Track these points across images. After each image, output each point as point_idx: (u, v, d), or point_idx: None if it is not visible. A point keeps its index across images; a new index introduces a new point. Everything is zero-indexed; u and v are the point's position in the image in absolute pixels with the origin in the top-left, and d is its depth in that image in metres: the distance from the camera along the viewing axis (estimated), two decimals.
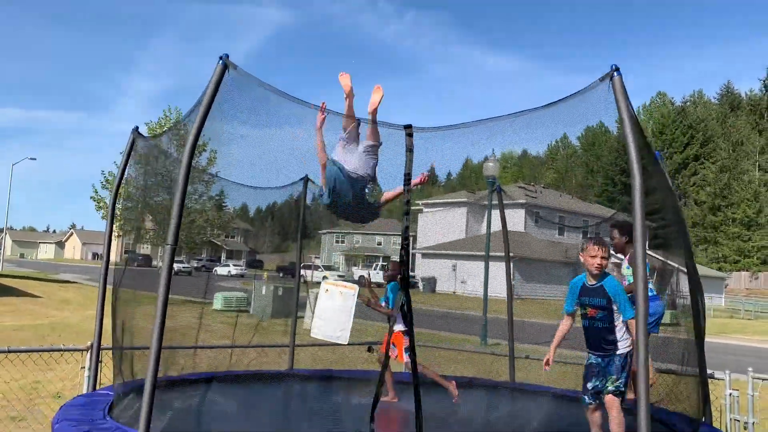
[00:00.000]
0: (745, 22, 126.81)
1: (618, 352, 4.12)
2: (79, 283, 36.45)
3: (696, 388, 4.62)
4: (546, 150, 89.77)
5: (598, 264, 4.12)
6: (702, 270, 54.05)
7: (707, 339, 19.14)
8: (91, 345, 5.48)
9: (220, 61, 3.39)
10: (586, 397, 4.20)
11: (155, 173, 26.61)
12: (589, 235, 4.53)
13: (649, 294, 3.91)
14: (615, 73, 3.20)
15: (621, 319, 4.12)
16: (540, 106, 3.42)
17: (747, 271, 65.60)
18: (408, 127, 3.29)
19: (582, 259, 4.19)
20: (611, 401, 4.03)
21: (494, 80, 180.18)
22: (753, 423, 5.28)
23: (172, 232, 3.10)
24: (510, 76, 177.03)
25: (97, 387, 5.28)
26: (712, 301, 43.17)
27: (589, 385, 4.16)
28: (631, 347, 4.09)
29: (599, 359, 4.18)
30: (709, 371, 5.44)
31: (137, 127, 5.51)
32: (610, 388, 4.08)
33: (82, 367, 5.57)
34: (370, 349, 4.93)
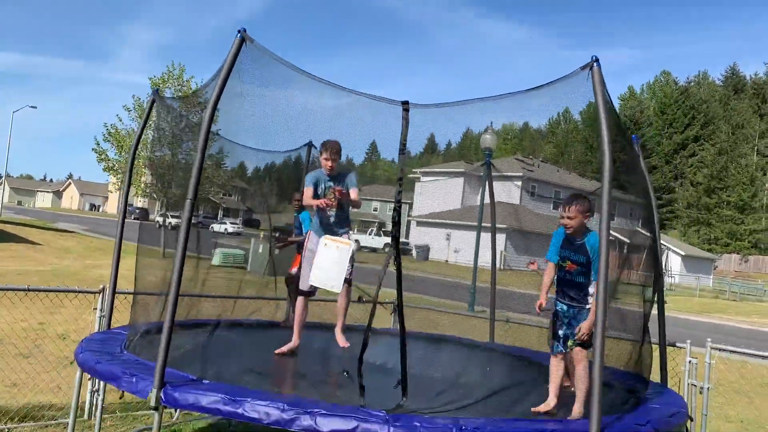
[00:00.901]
0: (756, 2, 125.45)
1: (587, 306, 4.20)
2: (77, 233, 36.88)
3: (650, 354, 5.07)
4: (547, 123, 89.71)
5: (563, 224, 4.33)
6: (692, 251, 54.65)
7: (689, 317, 19.77)
8: (103, 288, 5.88)
9: (238, 35, 3.72)
10: (558, 344, 4.22)
11: (157, 128, 26.86)
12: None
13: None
14: (595, 64, 3.56)
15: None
16: (527, 89, 3.79)
17: (737, 253, 66.44)
18: (405, 102, 3.66)
19: None
20: (578, 354, 4.11)
21: (500, 49, 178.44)
22: (708, 388, 5.77)
23: (192, 188, 3.48)
24: (514, 48, 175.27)
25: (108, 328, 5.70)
26: (700, 282, 43.90)
27: (560, 333, 4.21)
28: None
29: (567, 308, 4.25)
30: (671, 341, 5.91)
31: (157, 90, 5.81)
32: (558, 343, 4.22)
33: (94, 309, 5.99)
34: (360, 299, 5.39)
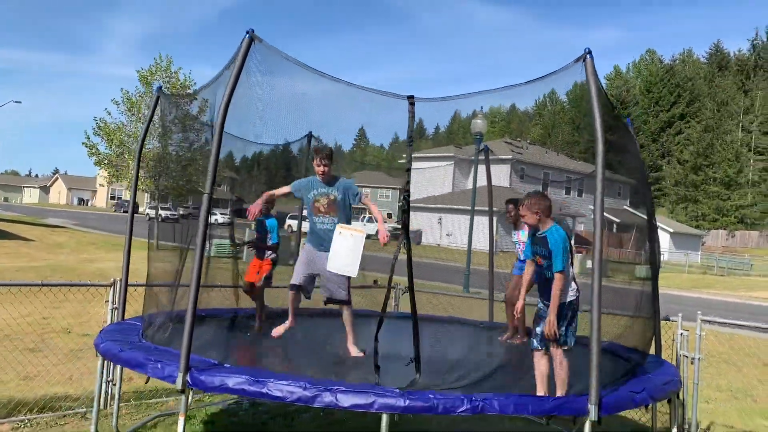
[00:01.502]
0: None
1: (568, 300, 4.25)
2: (68, 228, 36.80)
3: (648, 328, 5.33)
4: (534, 105, 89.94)
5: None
6: (680, 228, 55.23)
7: (679, 293, 20.16)
8: (114, 281, 6.05)
9: (247, 36, 3.87)
10: (534, 341, 4.33)
11: (146, 121, 26.56)
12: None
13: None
14: (588, 56, 3.76)
15: (570, 269, 4.27)
16: (524, 82, 3.98)
17: (724, 229, 67.27)
18: (411, 97, 3.85)
19: None
20: (554, 352, 4.24)
21: (485, 31, 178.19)
22: (699, 359, 6.04)
23: (208, 183, 3.65)
24: (502, 29, 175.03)
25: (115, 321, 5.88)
26: (689, 258, 44.54)
27: (537, 330, 4.31)
28: (572, 298, 4.31)
29: (545, 306, 4.35)
30: (664, 315, 6.18)
31: (161, 87, 5.93)
32: (564, 338, 4.22)
33: (106, 301, 6.16)
34: (375, 282, 5.58)
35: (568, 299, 4.30)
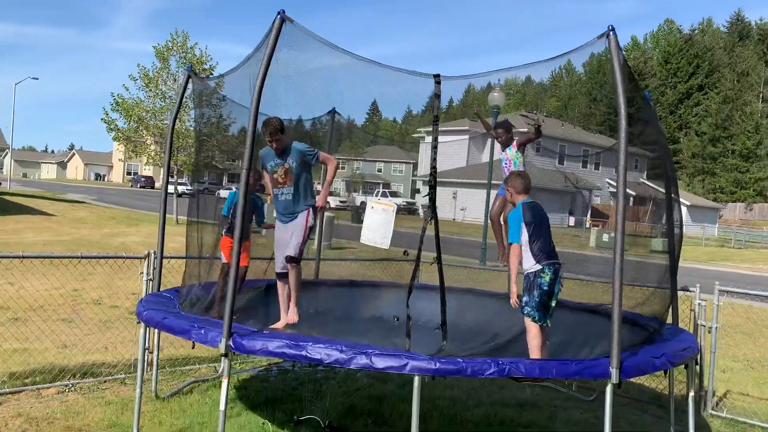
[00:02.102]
0: None
1: (525, 271, 4.74)
2: (87, 203, 37.34)
3: (666, 299, 5.48)
4: (549, 77, 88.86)
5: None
6: (697, 200, 54.88)
7: (695, 265, 20.21)
8: (148, 253, 6.28)
9: (278, 16, 4.00)
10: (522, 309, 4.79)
11: (164, 97, 27.35)
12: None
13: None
14: (611, 33, 3.86)
15: (528, 242, 4.73)
16: (547, 59, 4.10)
17: (742, 202, 66.67)
18: (437, 76, 3.98)
19: None
20: (526, 323, 4.65)
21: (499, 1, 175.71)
22: (716, 328, 6.21)
23: (246, 159, 3.83)
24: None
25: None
26: (706, 231, 44.36)
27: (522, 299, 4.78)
28: (529, 270, 4.73)
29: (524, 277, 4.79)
30: (682, 284, 6.32)
31: (191, 66, 6.07)
32: (524, 307, 4.70)
33: (140, 273, 6.40)
34: (405, 253, 5.75)
35: (529, 270, 4.71)
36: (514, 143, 6.44)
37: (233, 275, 3.84)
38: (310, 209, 5.22)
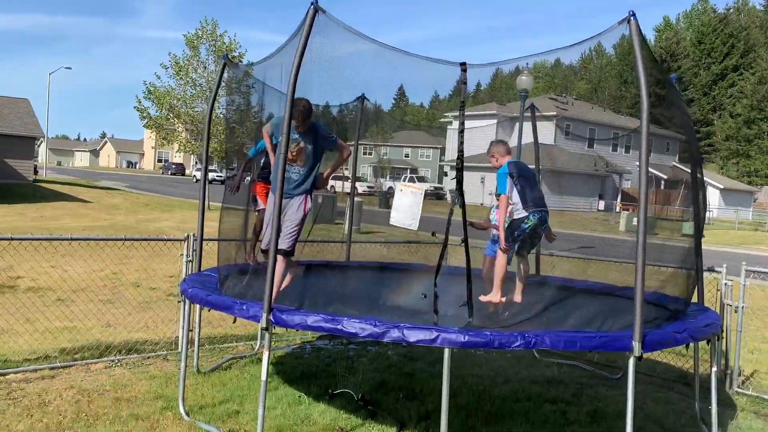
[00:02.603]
0: None
1: (512, 218, 5.66)
2: (121, 189, 38.20)
3: (691, 279, 5.58)
4: (579, 60, 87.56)
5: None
6: (731, 184, 53.82)
7: (726, 248, 19.99)
8: (188, 236, 6.56)
9: (311, 7, 4.18)
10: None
11: (195, 84, 27.82)
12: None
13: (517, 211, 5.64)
14: (632, 18, 3.96)
15: (517, 193, 5.62)
16: (568, 45, 4.22)
17: None
18: (463, 64, 4.12)
19: None
20: (497, 255, 5.67)
21: None
22: (742, 307, 6.28)
23: (283, 144, 4.05)
24: None
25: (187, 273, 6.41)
26: (739, 214, 43.56)
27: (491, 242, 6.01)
28: (519, 216, 5.63)
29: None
30: (710, 266, 6.39)
31: (227, 54, 6.29)
32: (488, 243, 5.97)
33: (180, 255, 6.69)
34: (434, 234, 5.94)
35: (515, 218, 5.63)
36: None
37: (272, 260, 4.06)
38: (308, 195, 5.20)
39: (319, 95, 6.45)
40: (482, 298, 5.51)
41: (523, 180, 5.68)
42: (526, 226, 5.58)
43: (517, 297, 5.65)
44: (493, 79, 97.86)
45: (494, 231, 6.52)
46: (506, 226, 5.66)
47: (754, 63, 75.96)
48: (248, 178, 6.44)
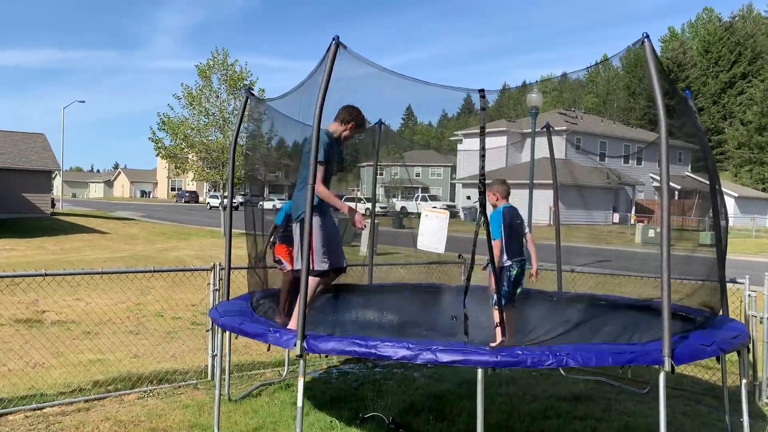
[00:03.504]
0: None
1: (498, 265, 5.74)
2: (137, 219, 38.63)
3: (715, 290, 5.61)
4: (585, 74, 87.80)
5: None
6: (746, 191, 53.50)
7: (745, 257, 19.89)
8: (214, 265, 6.69)
9: (333, 42, 4.32)
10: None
11: (208, 113, 28.22)
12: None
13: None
14: (646, 39, 4.07)
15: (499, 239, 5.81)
16: (585, 67, 4.34)
17: None
18: (481, 90, 4.24)
19: None
20: (494, 312, 5.32)
21: None
22: (767, 318, 6.28)
23: (311, 174, 4.17)
24: None
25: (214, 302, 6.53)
26: (755, 222, 43.24)
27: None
28: (503, 264, 5.86)
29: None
30: (732, 276, 6.41)
31: (250, 88, 6.46)
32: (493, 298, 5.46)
33: (207, 284, 6.82)
34: (460, 256, 6.05)
35: (501, 265, 5.84)
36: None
37: (304, 281, 4.16)
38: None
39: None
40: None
41: (509, 230, 5.98)
42: (510, 274, 5.95)
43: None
44: (501, 96, 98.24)
45: None
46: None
47: (762, 70, 75.83)
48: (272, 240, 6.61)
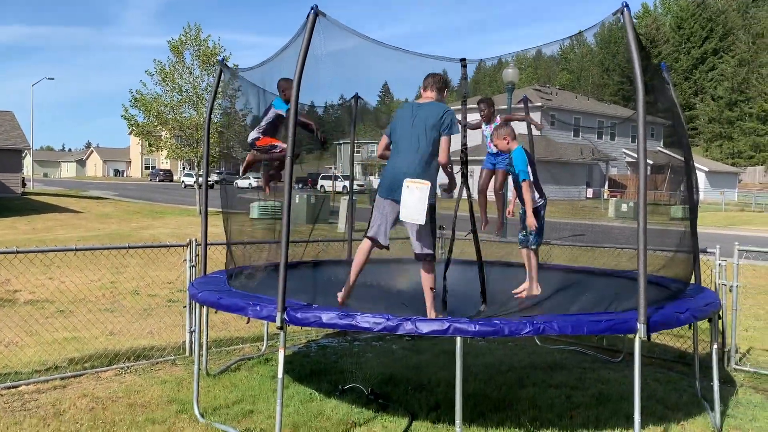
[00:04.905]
0: None
1: (523, 208, 5.78)
2: (110, 198, 38.04)
3: (688, 262, 5.73)
4: (559, 50, 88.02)
5: (494, 144, 6.04)
6: (716, 166, 54.34)
7: (716, 230, 20.28)
8: (190, 241, 6.62)
9: (312, 11, 4.26)
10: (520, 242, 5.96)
11: (181, 90, 27.80)
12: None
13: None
14: (625, 9, 4.08)
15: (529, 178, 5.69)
16: (566, 36, 4.34)
17: (761, 165, 65.92)
18: (463, 60, 4.23)
19: None
20: (530, 254, 5.76)
21: None
22: (736, 286, 6.44)
23: (289, 148, 4.12)
24: None
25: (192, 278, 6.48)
26: (725, 196, 44.07)
27: (520, 234, 5.91)
28: (536, 204, 5.77)
29: (523, 211, 5.81)
30: (702, 248, 6.54)
31: (223, 59, 6.35)
32: (521, 237, 5.84)
33: (184, 260, 6.75)
34: (441, 228, 6.02)
35: (538, 204, 5.78)
36: (498, 119, 6.95)
37: (284, 258, 4.14)
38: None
39: (314, 91, 6.48)
40: (522, 294, 5.70)
41: (533, 168, 5.85)
42: (542, 214, 5.88)
43: (533, 286, 5.80)
44: (476, 73, 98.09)
45: (492, 146, 6.69)
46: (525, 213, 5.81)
47: (733, 46, 76.75)
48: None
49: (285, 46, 4.82)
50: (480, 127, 6.99)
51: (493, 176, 7.08)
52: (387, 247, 4.77)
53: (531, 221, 5.66)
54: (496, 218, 7.39)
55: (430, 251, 4.58)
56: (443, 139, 4.53)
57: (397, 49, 4.42)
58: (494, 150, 6.68)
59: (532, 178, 5.73)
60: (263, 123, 5.99)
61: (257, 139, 6.06)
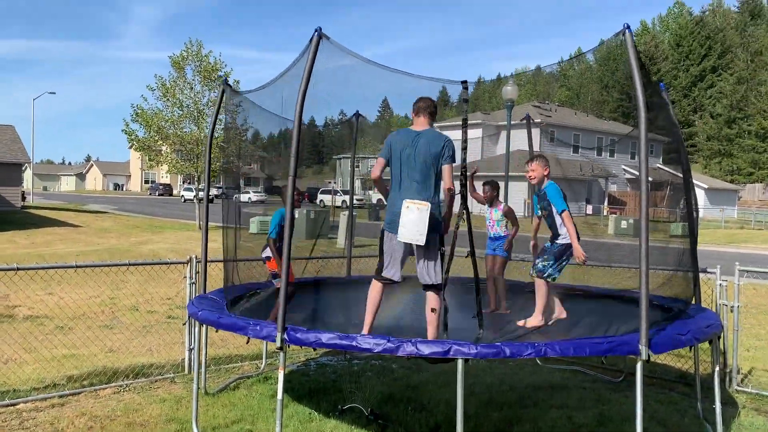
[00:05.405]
0: None
1: (557, 242, 5.54)
2: (110, 212, 38.01)
3: (688, 280, 5.72)
4: (558, 67, 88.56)
5: (529, 176, 5.72)
6: (715, 183, 54.42)
7: (715, 248, 20.26)
8: (190, 258, 6.62)
9: (315, 33, 4.29)
10: (532, 269, 5.64)
11: (182, 105, 27.97)
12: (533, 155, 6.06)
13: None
14: (626, 31, 4.11)
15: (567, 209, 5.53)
16: (567, 59, 4.36)
17: (761, 182, 66.03)
18: (464, 82, 4.25)
19: None
20: (540, 282, 5.48)
21: None
22: (737, 306, 6.42)
23: (292, 166, 4.13)
24: None
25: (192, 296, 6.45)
26: (725, 213, 44.09)
27: (537, 261, 5.61)
28: (565, 241, 5.51)
29: (548, 244, 5.64)
30: (702, 266, 6.53)
31: (226, 79, 6.38)
32: (538, 266, 5.51)
33: (184, 277, 6.74)
34: (440, 249, 5.94)
35: (565, 242, 5.52)
36: (500, 207, 6.92)
37: (284, 275, 4.14)
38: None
39: (308, 110, 6.46)
40: (527, 324, 5.43)
41: (565, 200, 5.64)
42: (570, 252, 5.54)
43: (562, 313, 5.64)
44: (476, 88, 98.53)
45: (494, 230, 6.91)
46: (557, 249, 5.55)
47: (731, 63, 77.23)
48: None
49: (288, 68, 4.84)
50: (483, 202, 6.91)
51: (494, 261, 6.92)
52: (399, 282, 4.77)
53: (579, 252, 5.38)
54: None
55: (438, 282, 4.54)
56: (446, 168, 4.53)
57: (395, 71, 4.44)
58: (499, 231, 6.87)
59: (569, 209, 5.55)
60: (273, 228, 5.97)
61: (268, 258, 6.10)
